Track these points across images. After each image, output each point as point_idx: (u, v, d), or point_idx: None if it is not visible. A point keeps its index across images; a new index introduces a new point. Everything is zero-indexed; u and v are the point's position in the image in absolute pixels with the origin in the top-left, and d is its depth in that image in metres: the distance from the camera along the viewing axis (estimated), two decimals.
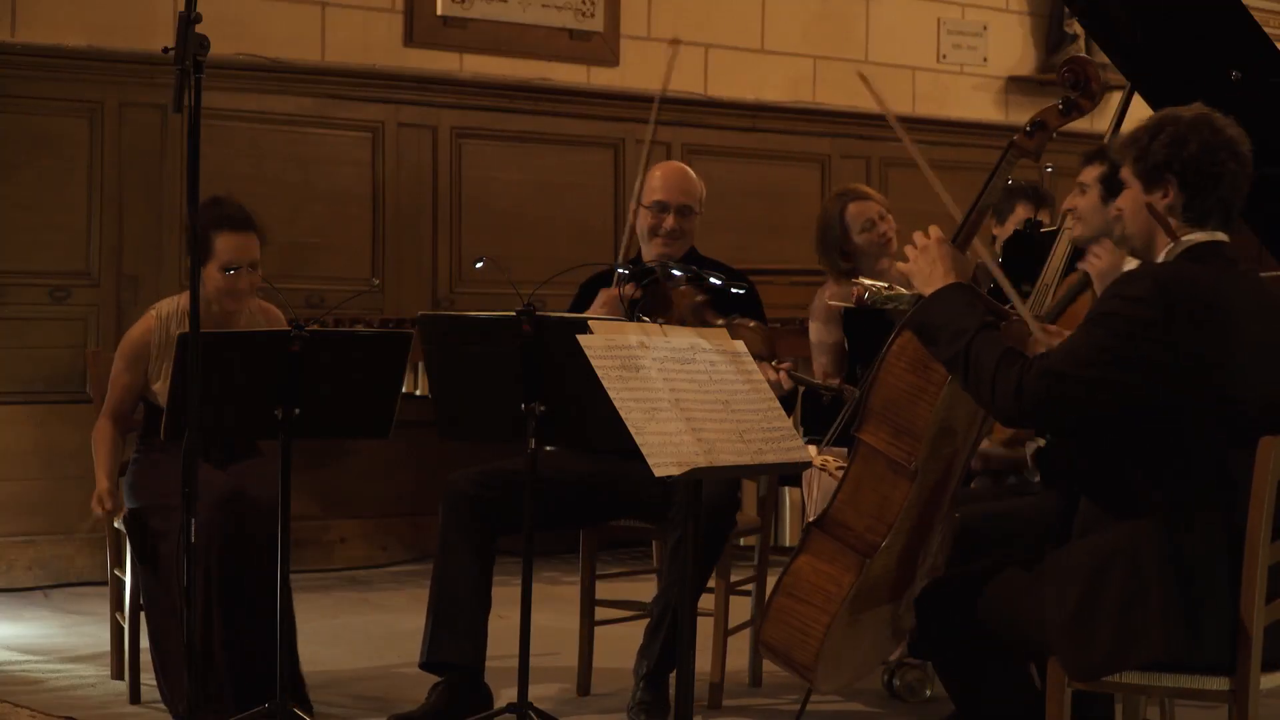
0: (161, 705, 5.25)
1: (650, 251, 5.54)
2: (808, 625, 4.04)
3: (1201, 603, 3.65)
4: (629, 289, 5.37)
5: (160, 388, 5.26)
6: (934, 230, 4.07)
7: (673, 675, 4.58)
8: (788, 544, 7.09)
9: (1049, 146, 4.51)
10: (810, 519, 5.86)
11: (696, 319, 5.21)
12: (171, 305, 5.43)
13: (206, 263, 5.23)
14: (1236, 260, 3.85)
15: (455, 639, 5.12)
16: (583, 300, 5.56)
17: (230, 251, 5.24)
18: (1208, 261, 3.77)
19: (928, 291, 3.95)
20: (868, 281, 4.32)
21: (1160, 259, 3.81)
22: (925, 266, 3.99)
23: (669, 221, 5.52)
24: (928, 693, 5.45)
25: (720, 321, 5.09)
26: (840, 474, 4.21)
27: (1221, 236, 3.82)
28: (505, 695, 4.85)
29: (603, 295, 5.39)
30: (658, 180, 5.61)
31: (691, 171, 5.68)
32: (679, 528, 5.01)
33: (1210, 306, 3.68)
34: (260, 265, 5.34)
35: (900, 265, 4.10)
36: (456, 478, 5.20)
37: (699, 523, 4.38)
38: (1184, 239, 3.80)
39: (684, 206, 5.55)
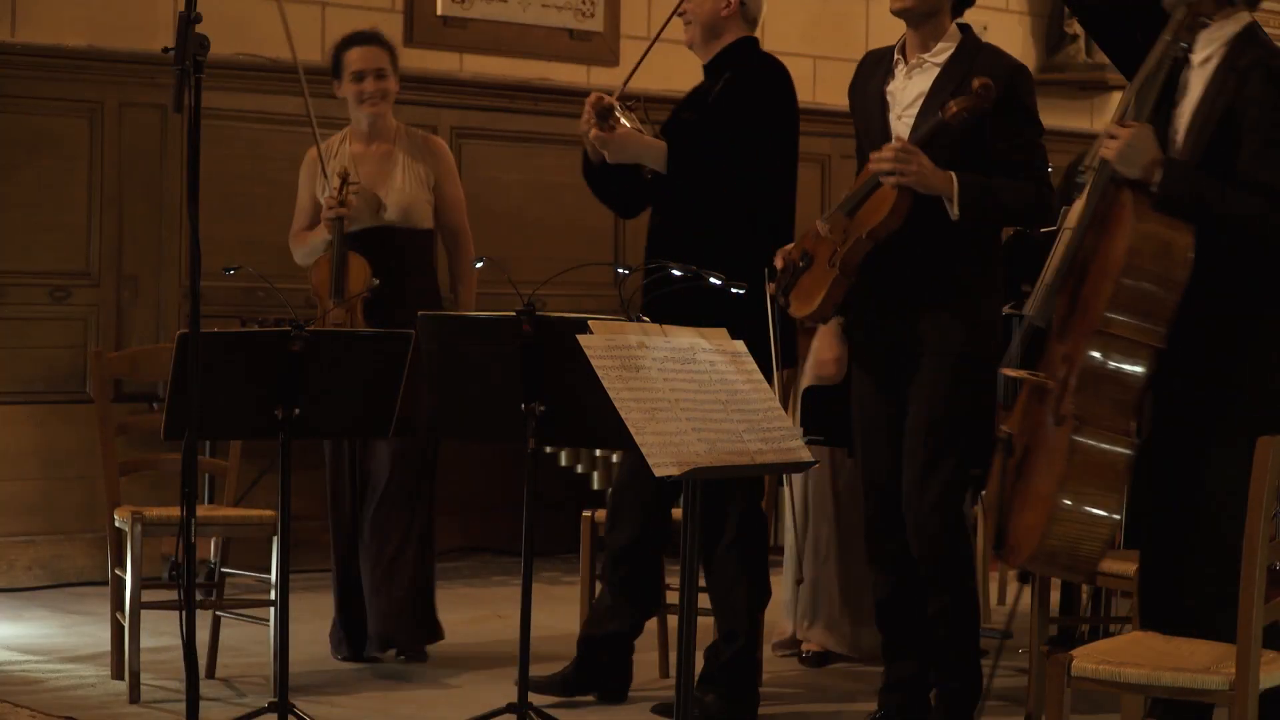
0: (161, 705, 5.26)
1: None
2: (1096, 513, 4.17)
3: None
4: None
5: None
6: (887, 149, 4.59)
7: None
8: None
9: (1056, 146, 4.55)
10: (795, 515, 5.85)
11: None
12: (337, 135, 5.99)
13: (341, 81, 5.88)
14: None
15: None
16: None
17: (356, 61, 5.81)
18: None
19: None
20: None
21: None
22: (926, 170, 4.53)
23: None
24: None
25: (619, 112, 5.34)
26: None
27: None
28: (505, 695, 4.85)
29: None
30: None
31: None
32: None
33: None
34: (392, 76, 5.88)
35: (902, 181, 4.51)
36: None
37: (697, 522, 4.37)
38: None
39: None
